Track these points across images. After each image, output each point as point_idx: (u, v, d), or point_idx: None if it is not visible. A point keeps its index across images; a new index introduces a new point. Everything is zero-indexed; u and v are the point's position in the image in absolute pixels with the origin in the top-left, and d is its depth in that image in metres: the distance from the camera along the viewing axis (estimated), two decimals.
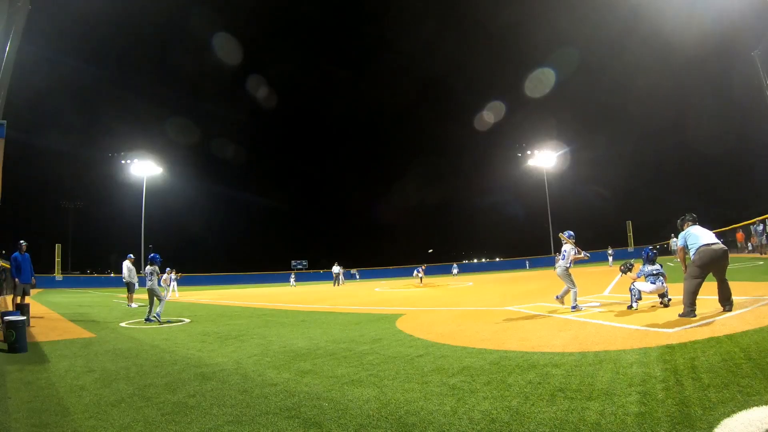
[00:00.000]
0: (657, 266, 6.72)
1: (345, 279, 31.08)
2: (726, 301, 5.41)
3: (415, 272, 26.15)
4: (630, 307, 6.48)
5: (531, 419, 2.44)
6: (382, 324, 7.09)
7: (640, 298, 6.56)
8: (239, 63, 56.55)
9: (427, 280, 28.30)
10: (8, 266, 9.77)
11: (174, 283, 20.07)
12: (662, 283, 6.54)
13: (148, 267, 9.01)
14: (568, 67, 49.41)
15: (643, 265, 6.82)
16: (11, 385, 3.86)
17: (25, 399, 3.39)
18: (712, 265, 5.42)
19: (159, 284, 9.08)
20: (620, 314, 6.13)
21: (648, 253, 6.88)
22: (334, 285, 28.32)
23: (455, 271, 36.32)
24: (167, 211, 51.43)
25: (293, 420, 2.67)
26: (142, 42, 57.36)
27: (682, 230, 5.99)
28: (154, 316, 8.79)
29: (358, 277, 44.46)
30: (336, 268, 29.41)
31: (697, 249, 5.54)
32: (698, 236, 5.62)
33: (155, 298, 8.79)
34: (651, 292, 6.58)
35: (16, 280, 9.03)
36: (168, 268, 20.11)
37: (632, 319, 5.60)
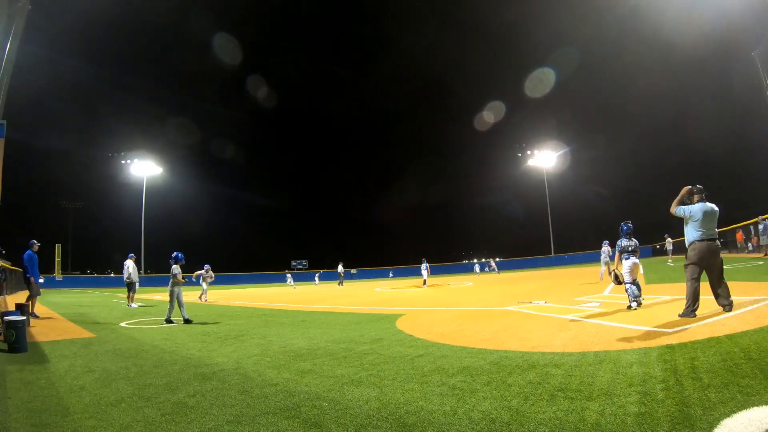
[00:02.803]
0: (634, 242, 6.94)
1: (341, 279, 30.74)
2: (725, 300, 5.37)
3: (423, 269, 21.62)
4: (629, 307, 6.47)
5: (531, 419, 2.44)
6: (382, 324, 7.09)
7: (638, 297, 6.51)
8: (239, 63, 56.58)
9: (426, 280, 28.11)
10: (9, 266, 9.83)
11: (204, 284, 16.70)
12: (636, 260, 6.80)
13: (174, 267, 8.54)
14: (568, 67, 49.42)
15: (620, 239, 7.01)
16: (11, 385, 3.86)
17: (25, 399, 3.39)
18: (704, 263, 5.36)
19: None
20: (620, 314, 6.12)
21: (623, 227, 7.01)
22: (339, 284, 28.33)
23: (477, 269, 36.73)
24: (167, 211, 51.49)
25: (293, 420, 2.67)
26: (142, 42, 57.47)
27: (691, 203, 5.65)
28: (171, 317, 8.46)
29: (393, 275, 44.18)
30: (340, 268, 29.63)
31: (690, 243, 5.48)
32: (698, 222, 5.41)
33: (176, 300, 8.38)
34: (629, 273, 6.69)
35: (32, 279, 9.12)
36: (207, 265, 16.44)
37: (632, 319, 5.60)
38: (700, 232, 5.44)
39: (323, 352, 4.94)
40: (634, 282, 6.60)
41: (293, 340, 5.87)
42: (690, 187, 5.70)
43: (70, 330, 7.90)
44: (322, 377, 3.73)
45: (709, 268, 5.39)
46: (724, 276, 5.44)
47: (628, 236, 6.96)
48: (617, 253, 7.05)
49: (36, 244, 9.41)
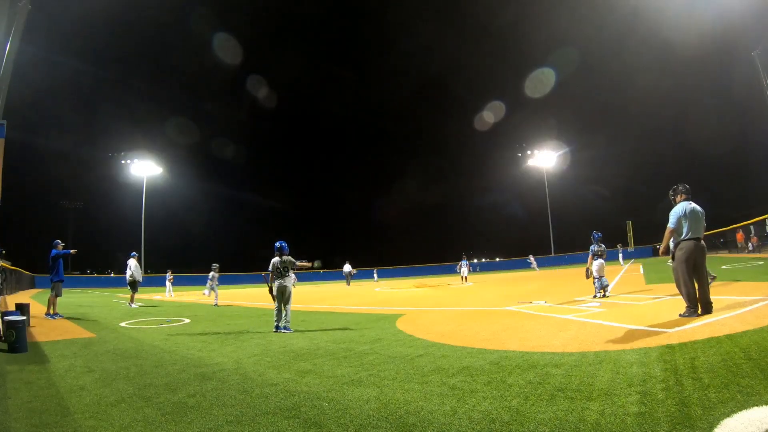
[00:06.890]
0: (602, 247, 8.95)
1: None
2: (704, 303, 5.27)
3: (463, 265, 20.95)
4: (595, 296, 8.45)
5: (531, 419, 2.43)
6: (382, 324, 7.09)
7: (605, 288, 8.57)
8: (239, 63, 56.63)
9: (426, 280, 28.13)
10: (9, 266, 9.93)
11: (169, 284, 21.25)
12: (603, 261, 8.75)
13: (276, 258, 6.90)
14: (568, 67, 49.46)
15: (592, 245, 9.01)
16: (11, 385, 3.86)
17: (25, 399, 3.39)
18: (691, 261, 5.33)
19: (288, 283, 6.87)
20: (620, 314, 6.13)
21: (595, 236, 8.99)
22: (347, 284, 27.88)
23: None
24: (167, 211, 51.45)
25: (293, 420, 2.67)
26: (142, 42, 57.44)
27: (675, 203, 5.66)
28: (285, 324, 6.74)
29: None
30: (347, 267, 28.94)
31: (677, 243, 5.45)
32: (687, 223, 5.38)
33: (284, 301, 6.81)
34: (597, 270, 8.64)
35: (61, 280, 9.24)
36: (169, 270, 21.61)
37: (632, 319, 5.60)
38: (686, 232, 5.40)
39: (323, 352, 4.94)
40: (601, 278, 8.59)
41: (293, 340, 5.87)
42: (675, 186, 5.74)
43: (70, 330, 7.90)
44: (322, 377, 3.73)
45: (695, 267, 5.35)
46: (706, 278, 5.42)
47: (598, 243, 8.93)
48: (590, 256, 8.95)
49: (61, 244, 9.58)
